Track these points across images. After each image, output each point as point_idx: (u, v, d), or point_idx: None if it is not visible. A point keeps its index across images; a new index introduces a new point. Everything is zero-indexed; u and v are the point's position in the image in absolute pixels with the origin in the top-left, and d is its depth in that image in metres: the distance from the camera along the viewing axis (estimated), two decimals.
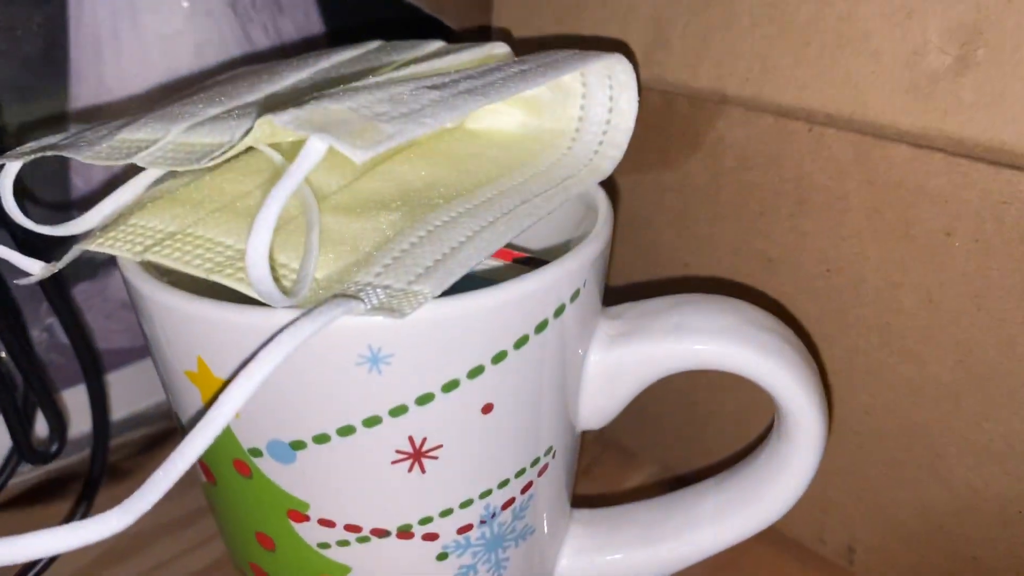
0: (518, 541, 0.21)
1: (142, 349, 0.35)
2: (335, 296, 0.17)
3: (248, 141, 0.17)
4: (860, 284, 0.26)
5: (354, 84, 0.20)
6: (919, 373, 0.25)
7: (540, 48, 0.26)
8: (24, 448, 0.28)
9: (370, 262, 0.18)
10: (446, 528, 0.20)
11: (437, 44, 0.25)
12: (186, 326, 0.18)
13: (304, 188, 0.20)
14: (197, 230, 0.19)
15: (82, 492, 0.30)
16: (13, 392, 0.29)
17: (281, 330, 0.16)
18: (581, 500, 0.25)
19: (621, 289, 0.32)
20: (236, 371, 0.17)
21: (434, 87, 0.19)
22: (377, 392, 0.17)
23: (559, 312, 0.19)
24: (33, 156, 0.20)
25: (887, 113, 0.23)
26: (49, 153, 0.20)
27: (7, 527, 0.31)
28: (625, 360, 0.21)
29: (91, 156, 0.20)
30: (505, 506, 0.20)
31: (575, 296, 0.19)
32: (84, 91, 0.32)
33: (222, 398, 0.15)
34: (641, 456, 0.34)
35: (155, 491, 0.15)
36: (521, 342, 0.18)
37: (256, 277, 0.16)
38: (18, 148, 0.21)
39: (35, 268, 0.21)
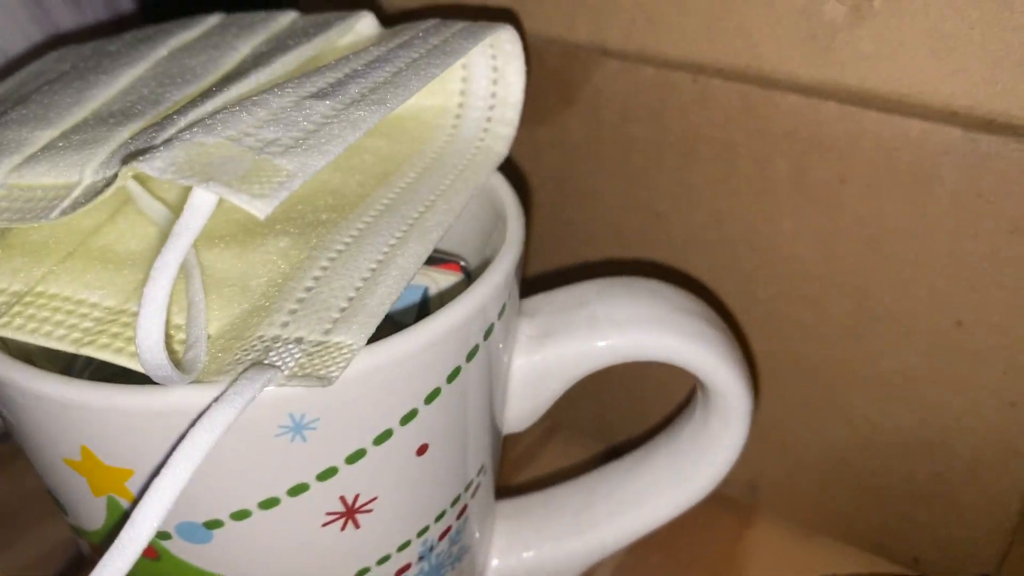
0: (455, 564, 0.20)
1: None
2: (247, 367, 0.14)
3: (108, 192, 0.14)
4: (753, 234, 0.25)
5: (216, 95, 0.17)
6: (817, 317, 0.25)
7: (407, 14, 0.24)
8: None
9: (271, 308, 0.16)
10: (384, 574, 0.18)
11: (289, 16, 0.22)
12: (65, 415, 0.15)
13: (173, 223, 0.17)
14: (49, 287, 0.16)
15: None
16: None
17: (194, 422, 0.13)
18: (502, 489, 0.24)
19: None
20: (150, 467, 0.15)
21: (320, 95, 0.16)
22: (302, 460, 0.15)
23: (488, 333, 0.17)
24: None
25: (783, 65, 0.22)
26: None
27: None
28: (548, 363, 0.19)
29: None
30: (442, 536, 0.19)
31: (502, 312, 0.18)
32: None
33: (138, 515, 0.13)
34: (561, 428, 0.33)
35: None
36: (453, 375, 0.17)
37: (152, 363, 0.13)
38: None
39: None
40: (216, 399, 0.13)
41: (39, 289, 0.16)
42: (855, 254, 0.24)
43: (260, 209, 0.13)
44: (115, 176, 0.14)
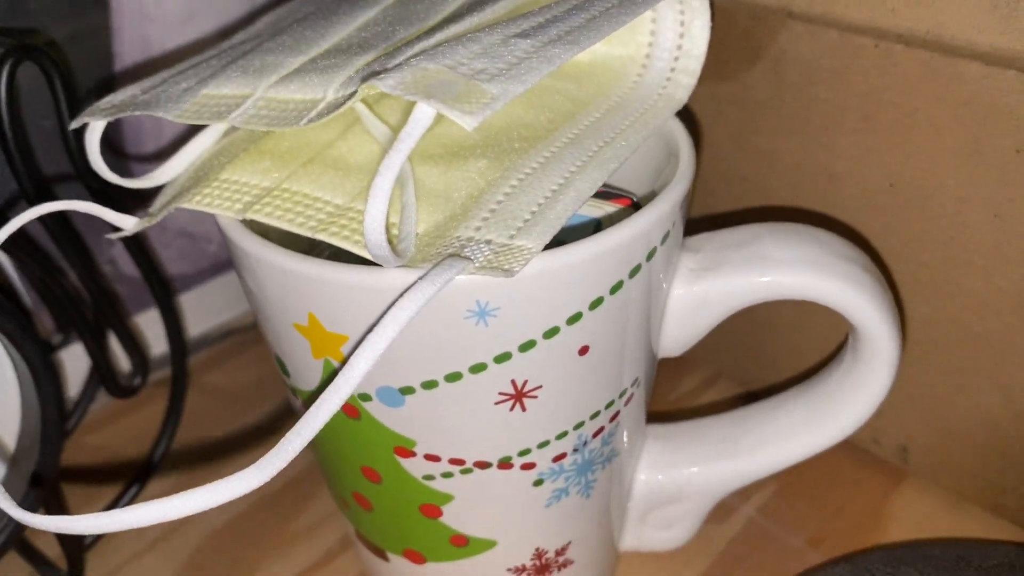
0: (605, 464, 0.23)
1: (200, 274, 0.36)
2: (446, 256, 0.17)
3: (350, 104, 0.17)
4: (926, 199, 0.26)
5: (438, 33, 0.20)
6: (984, 286, 0.26)
7: None
8: (110, 383, 0.29)
9: (467, 215, 0.19)
10: (542, 458, 0.21)
11: None
12: (299, 285, 0.18)
13: (392, 139, 0.20)
14: (292, 185, 0.20)
15: (167, 413, 0.31)
16: (100, 332, 0.29)
17: (402, 294, 0.16)
18: (653, 414, 0.26)
19: None
20: (362, 334, 0.18)
21: (523, 35, 0.19)
22: (483, 342, 0.18)
23: (651, 255, 0.19)
24: (118, 115, 0.20)
25: (965, 33, 0.23)
26: (136, 113, 0.20)
27: (104, 445, 0.33)
28: (707, 293, 0.21)
29: (179, 115, 0.20)
30: (595, 435, 0.21)
31: (665, 238, 0.20)
32: (127, 22, 0.31)
33: (353, 362, 0.16)
34: (705, 368, 0.35)
35: (290, 449, 0.16)
36: (616, 287, 0.19)
37: (374, 243, 0.16)
38: (98, 104, 0.21)
39: (128, 224, 0.21)
40: (420, 277, 0.16)
41: (284, 186, 0.20)
42: None
43: (468, 123, 0.16)
44: (354, 92, 0.17)
